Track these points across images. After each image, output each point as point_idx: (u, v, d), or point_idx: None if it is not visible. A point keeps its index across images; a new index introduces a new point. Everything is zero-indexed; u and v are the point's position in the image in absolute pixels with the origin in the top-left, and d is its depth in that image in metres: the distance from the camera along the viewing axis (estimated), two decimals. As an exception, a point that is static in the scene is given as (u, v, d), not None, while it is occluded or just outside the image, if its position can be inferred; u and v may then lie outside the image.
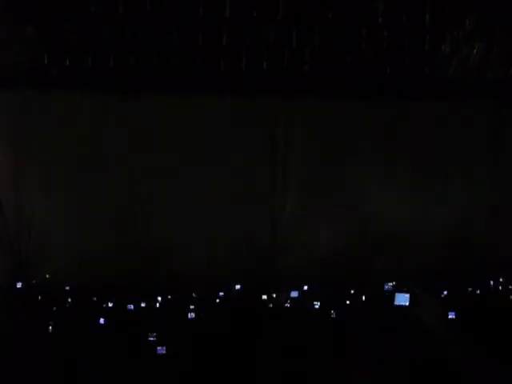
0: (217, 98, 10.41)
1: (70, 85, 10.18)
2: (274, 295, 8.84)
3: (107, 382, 5.18)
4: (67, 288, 9.67)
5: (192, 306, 7.79)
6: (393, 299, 2.58)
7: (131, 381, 5.16)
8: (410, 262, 10.49)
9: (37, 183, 10.50)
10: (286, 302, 8.19)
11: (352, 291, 8.85)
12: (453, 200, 10.97)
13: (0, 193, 10.48)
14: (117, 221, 10.49)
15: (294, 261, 10.55)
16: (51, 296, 8.96)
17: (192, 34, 9.92)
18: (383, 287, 7.78)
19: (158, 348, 5.60)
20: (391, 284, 7.86)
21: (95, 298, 8.83)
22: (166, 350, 5.52)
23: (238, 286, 9.67)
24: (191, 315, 7.18)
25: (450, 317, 4.75)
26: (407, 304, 2.61)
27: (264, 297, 8.64)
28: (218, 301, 8.72)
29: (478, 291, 8.97)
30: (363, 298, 8.16)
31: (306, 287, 9.30)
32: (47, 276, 10.34)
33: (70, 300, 8.66)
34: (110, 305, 8.40)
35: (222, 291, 9.18)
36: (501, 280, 9.81)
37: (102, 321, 6.90)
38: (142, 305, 8.36)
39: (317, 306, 7.62)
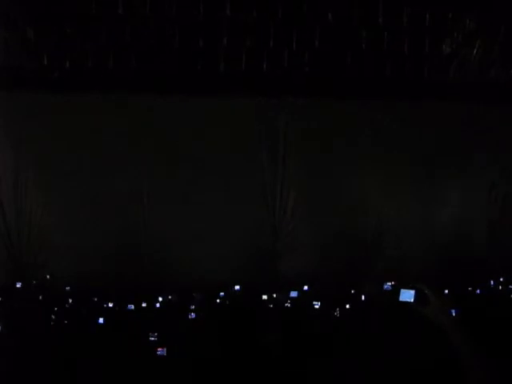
0: (217, 98, 10.40)
1: (70, 85, 10.18)
2: (275, 295, 8.84)
3: (108, 382, 5.18)
4: (67, 288, 9.68)
5: (192, 307, 7.79)
6: (397, 296, 2.57)
7: (132, 381, 5.16)
8: (410, 262, 10.50)
9: (37, 184, 10.51)
10: (286, 302, 8.18)
11: (352, 291, 8.85)
12: (453, 200, 10.97)
13: (1, 193, 10.48)
14: (117, 221, 10.50)
15: (294, 261, 10.56)
16: (51, 296, 8.96)
17: (192, 35, 9.92)
18: (383, 287, 7.79)
19: (159, 349, 5.59)
20: (390, 284, 7.86)
21: (95, 299, 8.83)
22: (167, 352, 5.51)
23: (238, 287, 9.67)
24: (192, 315, 7.18)
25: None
26: (412, 300, 2.60)
27: (264, 297, 8.63)
28: (218, 301, 8.72)
29: (478, 291, 8.97)
30: (364, 297, 8.17)
31: (306, 287, 9.30)
32: (47, 276, 10.34)
33: (70, 300, 8.66)
34: (111, 305, 8.40)
35: (222, 291, 9.18)
36: (501, 280, 9.82)
37: (101, 320, 6.90)
38: (143, 305, 8.35)
39: (317, 306, 7.62)
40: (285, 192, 10.91)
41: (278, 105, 10.71)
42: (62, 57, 9.86)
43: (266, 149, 10.88)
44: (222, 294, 9.08)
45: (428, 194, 10.93)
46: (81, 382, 5.18)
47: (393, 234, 10.81)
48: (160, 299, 8.87)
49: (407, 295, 2.63)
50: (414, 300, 2.64)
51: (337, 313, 6.87)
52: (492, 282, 9.77)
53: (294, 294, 8.24)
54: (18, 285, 9.37)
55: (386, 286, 7.77)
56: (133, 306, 8.05)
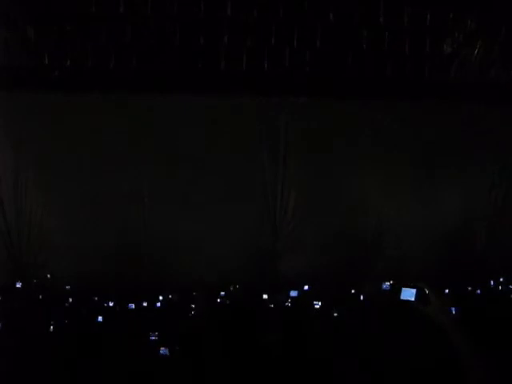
0: (217, 97, 10.40)
1: (70, 85, 10.18)
2: (275, 295, 8.84)
3: (108, 382, 5.18)
4: (67, 287, 9.68)
5: (193, 306, 7.80)
6: (397, 294, 2.57)
7: (132, 381, 5.16)
8: (410, 262, 10.50)
9: (37, 184, 10.50)
10: (286, 302, 8.19)
11: (352, 291, 8.85)
12: (453, 200, 10.97)
13: (1, 193, 10.48)
14: (117, 221, 10.50)
15: (294, 261, 10.56)
16: (52, 296, 8.97)
17: (192, 34, 9.93)
18: (382, 286, 7.78)
19: (162, 349, 5.60)
20: (389, 283, 7.85)
21: (96, 298, 8.83)
22: (169, 351, 5.51)
23: (238, 286, 9.68)
24: (191, 314, 7.18)
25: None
26: (413, 299, 2.60)
27: (265, 296, 8.64)
28: (218, 300, 8.72)
29: (479, 291, 8.97)
30: (363, 297, 8.18)
31: (306, 287, 9.31)
32: (48, 276, 10.34)
33: (70, 300, 8.67)
34: (111, 304, 8.41)
35: (222, 291, 9.19)
36: (501, 280, 9.82)
37: (99, 319, 6.91)
38: (143, 304, 8.36)
39: (317, 306, 7.62)
40: (285, 192, 10.91)
41: (278, 104, 10.70)
42: (62, 56, 9.86)
43: (267, 148, 10.87)
44: (222, 293, 9.09)
45: (428, 194, 10.92)
46: (81, 381, 5.18)
47: (393, 234, 10.81)
48: (160, 298, 8.88)
49: (408, 294, 2.64)
50: (415, 298, 2.64)
51: (337, 312, 6.87)
52: (492, 282, 9.77)
53: (293, 293, 8.25)
54: (18, 285, 9.37)
55: (384, 286, 7.76)
56: (133, 306, 8.06)
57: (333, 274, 10.11)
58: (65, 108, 10.31)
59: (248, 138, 10.64)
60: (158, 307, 8.54)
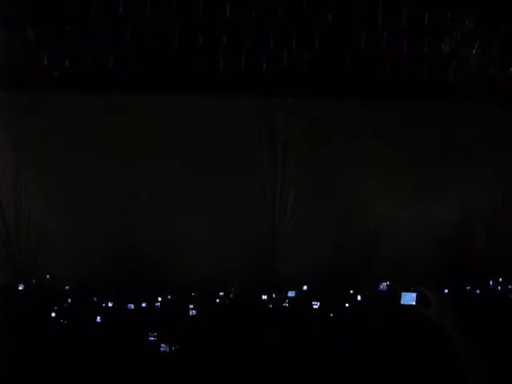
0: (216, 98, 10.40)
1: (70, 86, 10.18)
2: (274, 295, 8.86)
3: (107, 381, 5.19)
4: (67, 288, 9.68)
5: (192, 306, 7.80)
6: (397, 297, 2.56)
7: (131, 380, 5.17)
8: (409, 262, 10.50)
9: (37, 184, 10.50)
10: (284, 302, 8.20)
11: (351, 291, 8.86)
12: (453, 200, 10.97)
13: (0, 193, 10.48)
14: (117, 221, 10.50)
15: (294, 261, 10.55)
16: (51, 296, 8.97)
17: (191, 35, 9.93)
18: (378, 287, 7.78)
19: (162, 345, 5.62)
20: (386, 284, 7.85)
21: (95, 298, 8.84)
22: (169, 348, 5.53)
23: (237, 286, 9.68)
24: (191, 315, 7.19)
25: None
26: (414, 303, 2.59)
27: (264, 297, 8.65)
28: (217, 301, 8.74)
29: (478, 291, 8.99)
30: (362, 298, 8.18)
31: (305, 287, 9.32)
32: (47, 276, 10.34)
33: (69, 300, 8.67)
34: (110, 305, 8.42)
35: (222, 291, 9.19)
36: (500, 280, 9.83)
37: (98, 319, 6.92)
38: (143, 305, 8.37)
39: (316, 306, 7.63)
40: (284, 191, 10.90)
41: (277, 104, 10.70)
42: (61, 56, 9.86)
43: (266, 148, 10.87)
44: (221, 293, 9.09)
45: (427, 194, 10.91)
46: (80, 381, 5.19)
47: (392, 234, 10.80)
48: (159, 299, 8.88)
49: (409, 298, 2.62)
50: (416, 303, 2.63)
51: (335, 313, 6.89)
52: (491, 283, 9.78)
53: (291, 293, 8.25)
54: (21, 287, 9.39)
55: (381, 287, 7.76)
56: (132, 306, 8.07)
57: (332, 274, 10.12)
58: (65, 108, 10.31)
59: (247, 137, 10.63)
60: (157, 308, 8.55)
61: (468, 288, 9.15)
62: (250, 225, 10.73)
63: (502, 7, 10.00)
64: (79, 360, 5.44)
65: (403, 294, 2.62)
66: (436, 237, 10.84)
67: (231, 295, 9.30)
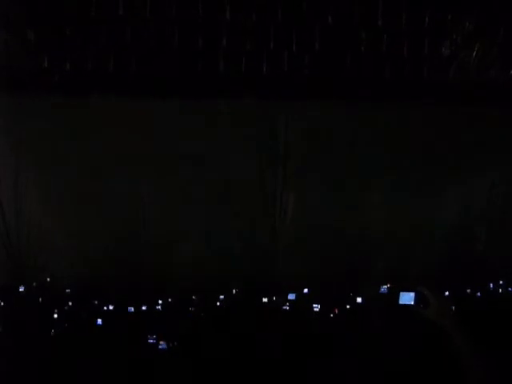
0: (216, 99, 10.41)
1: (69, 88, 10.19)
2: (274, 298, 8.84)
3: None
4: (68, 291, 9.68)
5: (192, 309, 7.80)
6: (396, 298, 2.55)
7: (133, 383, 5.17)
8: (409, 264, 10.49)
9: (37, 186, 10.50)
10: (285, 305, 8.18)
11: (351, 293, 8.84)
12: (453, 200, 10.96)
13: (0, 193, 10.48)
14: (117, 222, 10.50)
15: (294, 262, 10.55)
16: (52, 299, 8.96)
17: (191, 38, 9.94)
18: (379, 289, 7.77)
19: (161, 343, 5.63)
20: (387, 286, 7.84)
21: (96, 301, 8.83)
22: (169, 349, 5.54)
23: (238, 289, 9.67)
24: (191, 317, 7.19)
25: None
26: (412, 303, 2.59)
27: (265, 299, 8.64)
28: (218, 303, 8.73)
29: (479, 294, 8.97)
30: (363, 299, 8.16)
31: (306, 290, 9.30)
32: (48, 279, 10.34)
33: (70, 303, 8.67)
34: (111, 307, 8.42)
35: (222, 293, 9.18)
36: (500, 282, 9.81)
37: (99, 322, 6.92)
38: (143, 308, 8.36)
39: (317, 309, 7.62)
40: (285, 192, 10.91)
41: (277, 106, 10.71)
42: (62, 59, 9.87)
43: (266, 150, 10.87)
44: (221, 296, 9.09)
45: (428, 195, 10.91)
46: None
47: (393, 236, 10.80)
48: (160, 301, 8.88)
49: (407, 298, 2.62)
50: (415, 302, 2.63)
51: (335, 314, 6.88)
52: (492, 285, 9.76)
53: (291, 296, 8.24)
54: (21, 288, 9.38)
55: (382, 289, 7.75)
56: (133, 309, 8.06)
57: (332, 276, 10.11)
58: (65, 109, 10.32)
59: (247, 139, 10.64)
60: (158, 310, 8.54)
61: (468, 291, 9.13)
62: (251, 227, 10.73)
63: (502, 9, 10.00)
64: (80, 363, 5.43)
65: (402, 293, 2.62)
66: (436, 238, 10.84)
67: (231, 297, 9.29)
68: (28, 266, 10.44)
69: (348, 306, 7.97)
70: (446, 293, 8.28)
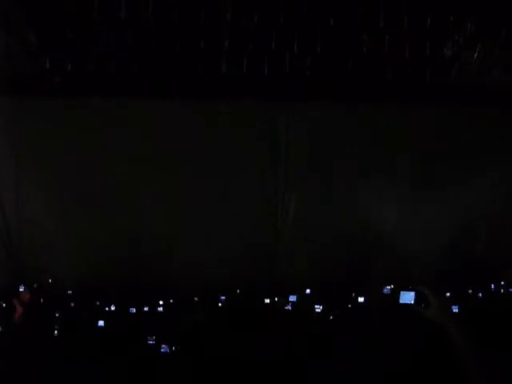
0: (218, 101, 10.42)
1: (71, 90, 10.21)
2: (276, 299, 8.85)
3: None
4: (69, 292, 9.69)
5: (194, 310, 7.80)
6: (397, 298, 2.56)
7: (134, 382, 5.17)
8: (410, 265, 10.49)
9: (38, 187, 10.51)
10: (286, 306, 8.19)
11: (353, 294, 8.85)
12: (454, 201, 10.96)
13: (2, 196, 10.50)
14: (117, 222, 10.51)
15: (296, 262, 10.55)
16: (53, 300, 8.97)
17: (193, 40, 9.96)
18: (382, 290, 7.77)
19: (163, 346, 5.63)
20: (390, 287, 7.85)
21: (97, 302, 8.84)
22: (169, 349, 5.54)
23: (239, 290, 9.67)
24: (192, 318, 7.19)
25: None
26: (412, 302, 2.59)
27: (267, 301, 8.65)
28: (219, 304, 8.73)
29: (480, 294, 8.96)
30: (364, 300, 8.17)
31: (308, 290, 9.31)
32: (49, 280, 10.34)
33: (72, 304, 8.68)
34: (112, 308, 8.42)
35: (223, 295, 9.18)
36: (502, 283, 9.80)
37: (101, 323, 6.93)
38: (145, 309, 8.37)
39: (318, 310, 7.62)
40: (286, 193, 10.91)
41: (279, 108, 10.72)
42: (63, 61, 9.88)
43: (268, 150, 10.88)
44: (222, 297, 9.09)
45: (428, 195, 10.90)
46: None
47: (393, 236, 10.80)
48: (161, 303, 8.89)
49: (407, 297, 2.63)
50: (415, 302, 2.63)
51: (337, 315, 6.88)
52: (493, 286, 9.76)
53: (292, 297, 8.25)
54: (21, 288, 9.37)
55: (385, 290, 7.76)
56: (134, 310, 8.07)
57: (334, 277, 10.11)
58: (65, 110, 10.33)
59: (249, 139, 10.65)
60: (159, 311, 8.55)
61: (470, 291, 9.13)
62: (252, 227, 10.73)
63: (504, 10, 10.00)
64: (81, 364, 5.44)
65: (402, 293, 2.63)
66: (437, 238, 10.84)
67: (233, 298, 9.29)
68: (29, 267, 10.45)
69: (350, 306, 7.98)
70: (448, 294, 8.29)
